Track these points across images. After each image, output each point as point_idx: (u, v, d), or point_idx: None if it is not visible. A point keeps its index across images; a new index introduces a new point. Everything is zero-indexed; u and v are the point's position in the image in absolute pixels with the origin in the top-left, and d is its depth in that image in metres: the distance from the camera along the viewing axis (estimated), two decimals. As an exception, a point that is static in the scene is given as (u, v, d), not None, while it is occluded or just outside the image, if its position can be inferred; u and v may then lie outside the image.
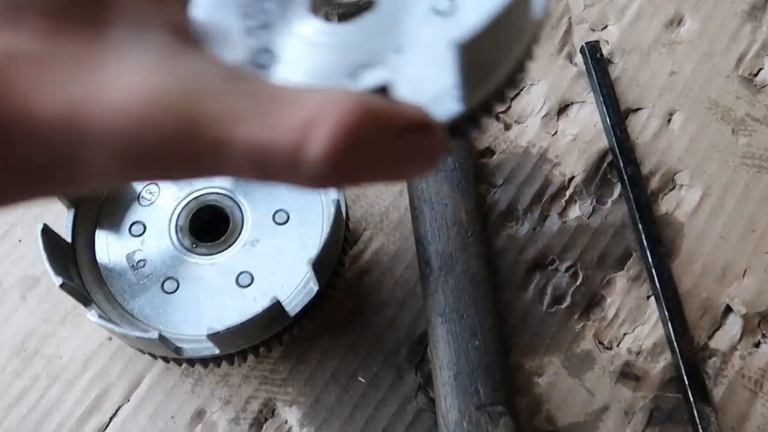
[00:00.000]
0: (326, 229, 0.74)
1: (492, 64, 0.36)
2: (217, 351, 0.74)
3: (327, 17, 0.43)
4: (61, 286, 0.72)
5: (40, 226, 0.74)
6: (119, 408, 0.83)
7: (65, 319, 0.88)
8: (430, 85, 0.37)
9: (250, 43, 0.39)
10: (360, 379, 0.84)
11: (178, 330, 0.78)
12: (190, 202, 0.84)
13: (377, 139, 0.33)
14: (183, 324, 0.78)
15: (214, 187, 0.85)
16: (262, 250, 0.81)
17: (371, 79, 0.35)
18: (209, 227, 0.85)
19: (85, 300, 0.76)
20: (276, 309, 0.71)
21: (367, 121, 0.32)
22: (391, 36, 0.40)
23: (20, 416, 0.83)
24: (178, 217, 0.83)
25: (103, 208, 0.84)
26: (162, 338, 0.70)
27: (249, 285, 0.80)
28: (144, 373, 0.85)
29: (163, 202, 0.84)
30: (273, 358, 0.85)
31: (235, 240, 0.82)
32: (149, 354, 0.78)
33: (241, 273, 0.80)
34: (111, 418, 0.83)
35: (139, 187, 0.85)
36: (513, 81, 0.38)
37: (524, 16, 0.36)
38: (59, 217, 0.83)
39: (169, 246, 0.82)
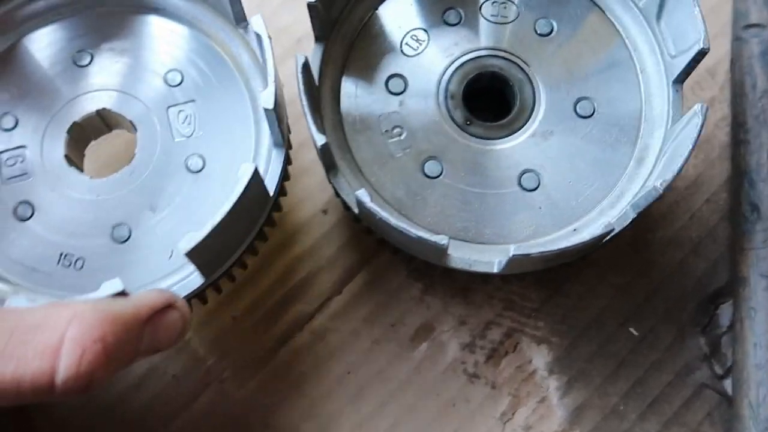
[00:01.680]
0: (686, 138, 0.53)
1: (222, 253, 0.53)
2: (495, 270, 0.56)
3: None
4: (323, 147, 0.54)
5: (301, 60, 0.56)
6: (328, 299, 0.68)
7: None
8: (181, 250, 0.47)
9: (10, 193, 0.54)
10: (631, 330, 0.66)
11: (434, 226, 0.60)
12: (466, 63, 0.64)
13: (127, 338, 0.42)
14: (442, 220, 0.60)
15: (498, 49, 0.64)
16: (556, 147, 0.62)
17: (110, 288, 0.46)
18: (487, 100, 0.66)
19: (332, 165, 0.58)
20: (599, 239, 0.53)
21: (111, 332, 0.40)
22: (146, 194, 0.58)
23: (207, 282, 0.68)
24: (449, 80, 0.63)
25: (353, 49, 0.65)
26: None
27: (535, 189, 0.61)
28: (362, 263, 0.69)
29: (431, 57, 0.64)
30: (524, 280, 0.68)
31: (523, 126, 0.62)
32: (392, 246, 0.61)
33: (525, 171, 0.61)
34: (317, 310, 0.67)
35: (401, 31, 0.65)
36: (251, 249, 0.56)
37: (253, 208, 0.53)
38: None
39: (435, 116, 0.62)
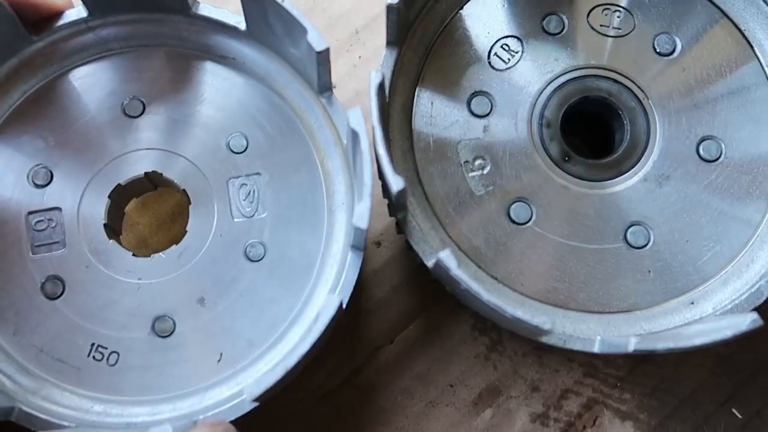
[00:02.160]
0: None
1: (282, 384, 0.42)
2: (595, 350, 0.46)
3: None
4: (399, 193, 0.43)
5: (377, 78, 0.44)
6: (376, 350, 0.57)
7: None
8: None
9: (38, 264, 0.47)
10: (734, 412, 0.56)
11: (517, 284, 0.49)
12: (567, 83, 0.52)
13: None
14: (528, 278, 0.49)
15: (607, 69, 0.53)
16: (672, 196, 0.50)
17: None
18: (586, 129, 0.54)
19: (402, 207, 0.47)
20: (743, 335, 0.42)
21: None
22: (196, 282, 0.49)
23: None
24: (546, 103, 0.52)
25: (431, 57, 0.53)
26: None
27: (643, 246, 0.50)
28: (419, 309, 0.58)
29: (525, 73, 0.52)
30: (611, 343, 0.57)
31: (633, 167, 0.51)
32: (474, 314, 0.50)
33: (633, 224, 0.50)
34: (364, 362, 0.57)
35: (490, 38, 0.53)
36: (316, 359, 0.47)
37: (327, 335, 0.42)
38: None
39: (526, 147, 0.51)
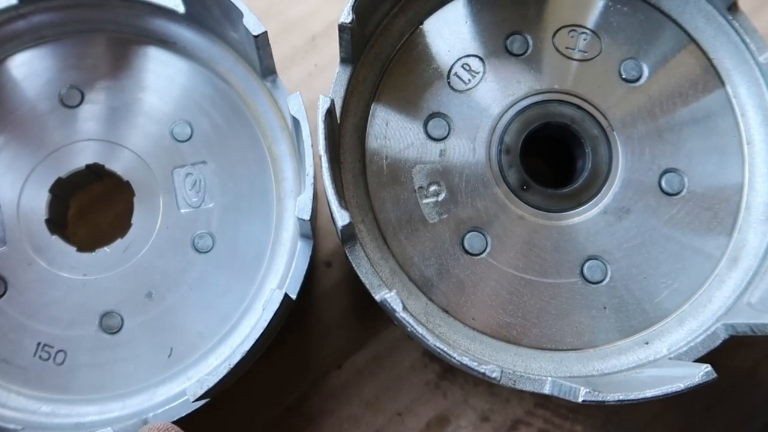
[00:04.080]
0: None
1: (229, 381, 0.41)
2: (546, 391, 0.44)
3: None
4: (345, 227, 0.40)
5: (325, 104, 0.41)
6: (324, 375, 0.55)
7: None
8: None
9: None
10: (687, 447, 0.55)
11: (467, 319, 0.47)
12: (528, 107, 0.50)
13: None
14: (480, 312, 0.47)
15: (570, 93, 0.50)
16: (632, 230, 0.49)
17: None
18: (544, 156, 0.52)
19: (350, 238, 0.45)
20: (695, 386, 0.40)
21: None
22: (143, 276, 0.47)
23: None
24: (506, 128, 0.50)
25: (388, 75, 0.50)
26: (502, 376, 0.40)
27: (600, 282, 0.48)
28: (368, 333, 0.56)
29: (486, 95, 0.50)
30: (564, 373, 0.56)
31: (593, 198, 0.49)
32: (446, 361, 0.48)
33: (590, 258, 0.48)
34: (311, 387, 0.55)
35: (450, 56, 0.50)
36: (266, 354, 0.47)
37: (275, 328, 0.42)
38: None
39: (483, 174, 0.49)
